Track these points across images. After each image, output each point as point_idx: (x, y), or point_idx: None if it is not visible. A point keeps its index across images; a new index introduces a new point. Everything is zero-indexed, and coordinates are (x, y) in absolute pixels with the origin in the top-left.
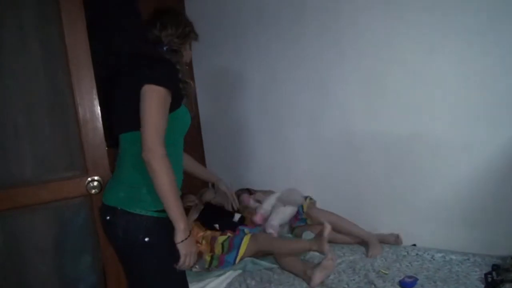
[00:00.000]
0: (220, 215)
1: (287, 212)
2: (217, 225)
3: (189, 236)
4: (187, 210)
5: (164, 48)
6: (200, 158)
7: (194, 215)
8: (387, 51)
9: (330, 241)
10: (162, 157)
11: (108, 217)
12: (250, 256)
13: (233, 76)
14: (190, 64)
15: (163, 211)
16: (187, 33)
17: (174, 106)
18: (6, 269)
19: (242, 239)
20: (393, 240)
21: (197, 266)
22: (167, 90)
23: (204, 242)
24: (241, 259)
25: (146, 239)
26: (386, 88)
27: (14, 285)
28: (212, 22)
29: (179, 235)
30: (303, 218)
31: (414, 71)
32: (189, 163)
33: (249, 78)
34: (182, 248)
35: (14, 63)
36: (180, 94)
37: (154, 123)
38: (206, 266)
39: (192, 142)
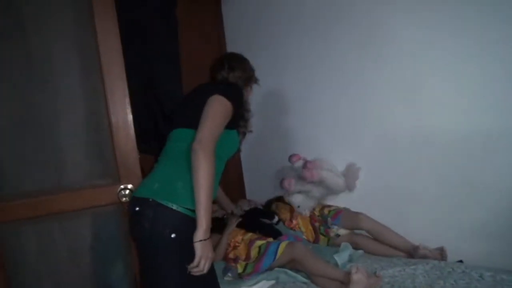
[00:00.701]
0: (261, 221)
1: (339, 181)
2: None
3: (208, 238)
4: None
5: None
6: (237, 161)
7: (233, 226)
8: (428, 55)
9: (369, 252)
10: (210, 151)
11: (137, 208)
12: (282, 266)
13: (270, 87)
14: None
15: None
16: (250, 76)
17: (231, 124)
18: (41, 274)
19: (279, 245)
20: (438, 255)
21: (229, 275)
22: (232, 106)
23: (242, 245)
24: (277, 266)
25: (173, 235)
26: (428, 93)
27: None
28: (248, 35)
29: (199, 233)
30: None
31: (459, 73)
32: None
33: (286, 88)
34: (199, 248)
35: (50, 70)
36: (240, 118)
37: (212, 125)
38: (240, 271)
39: None
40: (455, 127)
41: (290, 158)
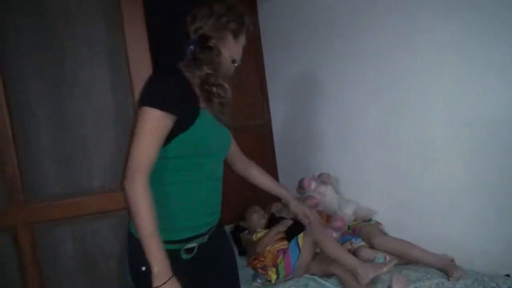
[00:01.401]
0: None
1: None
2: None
3: (169, 279)
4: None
5: (190, 47)
6: (272, 165)
7: (281, 228)
8: (468, 48)
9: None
10: (138, 188)
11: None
12: (307, 272)
13: (306, 83)
14: (262, 72)
15: (168, 242)
16: (224, 24)
17: (182, 126)
18: (73, 274)
19: (297, 237)
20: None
21: (259, 281)
22: (163, 113)
23: (269, 255)
24: (306, 253)
25: (143, 268)
26: (470, 93)
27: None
28: (285, 31)
29: (154, 280)
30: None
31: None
32: (257, 175)
33: (322, 85)
34: None
35: (82, 76)
36: (192, 112)
37: (138, 149)
38: (273, 281)
39: (263, 150)
40: (495, 136)
41: (301, 183)
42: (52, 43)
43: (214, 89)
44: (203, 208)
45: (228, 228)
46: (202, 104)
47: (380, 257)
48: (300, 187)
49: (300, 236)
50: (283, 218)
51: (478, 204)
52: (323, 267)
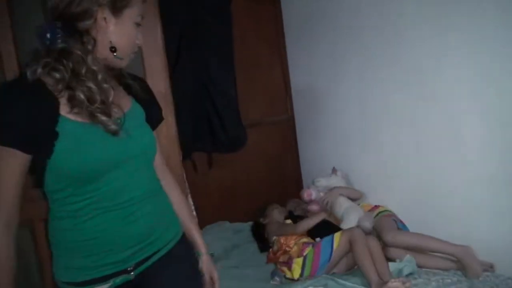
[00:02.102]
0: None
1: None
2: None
3: None
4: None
5: (47, 35)
6: (295, 160)
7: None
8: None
9: (420, 266)
10: None
11: None
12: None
13: (330, 77)
14: (285, 67)
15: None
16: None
17: (42, 154)
18: None
19: (333, 235)
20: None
21: (277, 278)
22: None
23: (295, 247)
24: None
25: None
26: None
27: None
28: (309, 23)
29: None
30: None
31: None
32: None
33: (346, 80)
34: None
35: None
36: (47, 134)
37: None
38: (296, 277)
39: (286, 146)
40: None
41: (301, 195)
42: None
43: (81, 94)
44: (108, 244)
45: (246, 225)
46: (74, 116)
47: (410, 259)
48: (302, 199)
49: (338, 236)
50: (301, 217)
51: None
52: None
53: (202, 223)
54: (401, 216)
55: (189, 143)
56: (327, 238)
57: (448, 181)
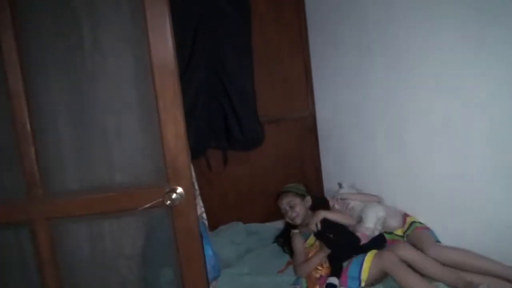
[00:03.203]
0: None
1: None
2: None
3: None
4: None
5: None
6: (315, 159)
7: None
8: None
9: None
10: None
11: None
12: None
13: (353, 72)
14: (307, 60)
15: None
16: None
17: None
18: (93, 273)
19: (363, 259)
20: None
21: (298, 287)
22: None
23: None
24: (367, 279)
25: None
26: None
27: None
28: (332, 15)
29: None
30: None
31: None
32: None
33: (371, 74)
34: None
35: (104, 65)
36: None
37: None
38: None
39: (306, 143)
40: None
41: None
42: (73, 31)
43: None
44: None
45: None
46: None
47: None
48: None
49: (369, 257)
50: (324, 204)
51: None
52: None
53: (217, 224)
54: (433, 226)
55: (204, 140)
56: (352, 274)
57: (490, 189)
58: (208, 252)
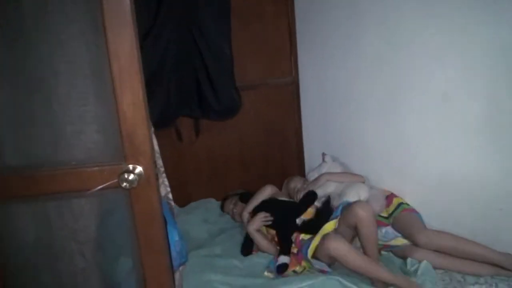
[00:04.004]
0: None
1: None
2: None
3: None
4: None
5: None
6: (297, 126)
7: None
8: None
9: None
10: None
11: None
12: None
13: (343, 38)
14: (292, 23)
15: None
16: None
17: None
18: (41, 261)
19: (309, 245)
20: None
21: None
22: None
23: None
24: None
25: None
26: None
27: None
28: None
29: None
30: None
31: None
32: None
33: (361, 44)
34: None
35: (53, 25)
36: None
37: None
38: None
39: (288, 110)
40: None
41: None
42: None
43: None
44: None
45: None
46: None
47: (427, 266)
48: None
49: (313, 246)
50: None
51: None
52: None
53: (189, 199)
54: (418, 208)
55: (173, 107)
56: (305, 246)
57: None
58: (173, 237)
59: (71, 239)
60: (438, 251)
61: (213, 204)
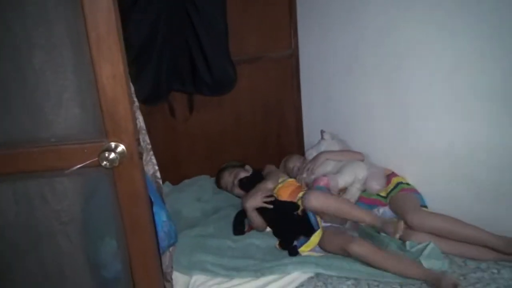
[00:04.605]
0: None
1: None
2: None
3: None
4: None
5: None
6: (296, 102)
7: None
8: None
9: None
10: None
11: None
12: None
13: (346, 8)
14: None
15: None
16: None
17: None
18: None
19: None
20: None
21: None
22: None
23: None
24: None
25: None
26: None
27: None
28: None
29: None
30: None
31: None
32: None
33: (366, 11)
34: None
35: None
36: None
37: None
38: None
39: (287, 85)
40: None
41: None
42: None
43: None
44: None
45: None
46: None
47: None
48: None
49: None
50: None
51: None
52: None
53: (183, 177)
54: (422, 189)
55: (165, 82)
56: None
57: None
58: (161, 217)
59: (53, 219)
60: (433, 234)
61: (207, 181)
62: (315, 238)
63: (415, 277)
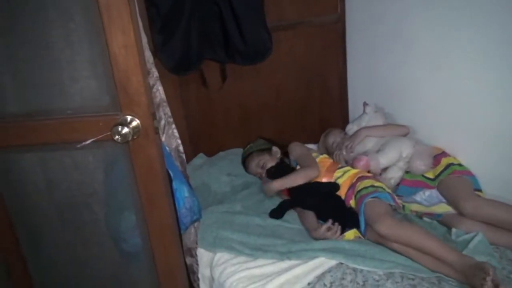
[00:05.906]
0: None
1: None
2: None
3: None
4: None
5: None
6: (341, 70)
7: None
8: None
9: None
10: None
11: None
12: None
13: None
14: None
15: None
16: None
17: None
18: (47, 212)
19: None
20: None
21: None
22: None
23: None
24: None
25: None
26: None
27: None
28: None
29: None
30: None
31: None
32: None
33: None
34: None
35: None
36: None
37: None
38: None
39: (332, 52)
40: None
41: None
42: None
43: None
44: None
45: None
46: None
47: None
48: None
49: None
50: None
51: None
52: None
53: (219, 149)
54: (476, 171)
55: (195, 50)
56: None
57: None
58: (182, 193)
59: (74, 190)
60: (487, 223)
61: (239, 155)
62: (350, 235)
63: (448, 259)
